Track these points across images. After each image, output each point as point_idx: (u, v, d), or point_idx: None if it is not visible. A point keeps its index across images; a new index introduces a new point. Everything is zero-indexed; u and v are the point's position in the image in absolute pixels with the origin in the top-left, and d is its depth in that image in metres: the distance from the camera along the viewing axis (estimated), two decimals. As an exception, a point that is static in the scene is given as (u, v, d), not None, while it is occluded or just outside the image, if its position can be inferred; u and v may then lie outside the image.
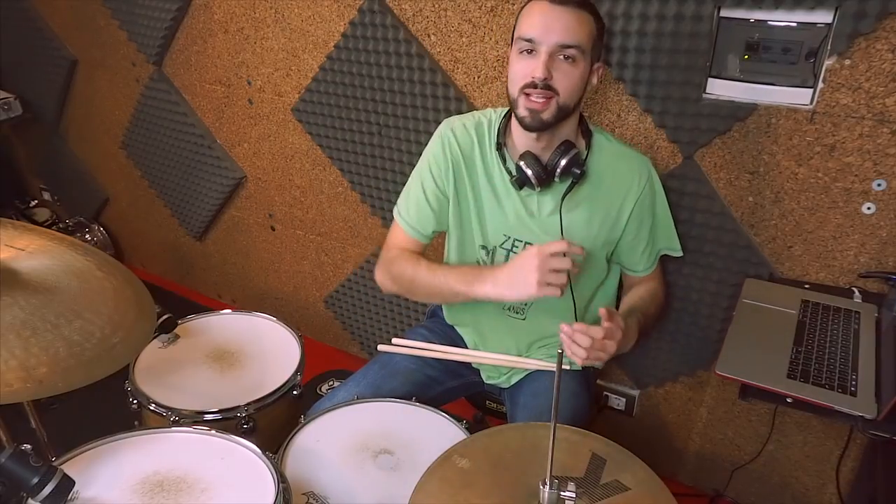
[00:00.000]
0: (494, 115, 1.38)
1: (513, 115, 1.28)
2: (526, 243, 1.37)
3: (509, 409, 1.49)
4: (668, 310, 1.63)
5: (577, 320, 1.39)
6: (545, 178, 1.27)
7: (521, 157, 1.28)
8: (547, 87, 1.18)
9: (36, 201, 3.17)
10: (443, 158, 1.37)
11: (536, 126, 1.22)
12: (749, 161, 1.42)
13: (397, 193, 1.94)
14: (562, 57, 1.18)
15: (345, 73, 1.87)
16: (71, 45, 2.58)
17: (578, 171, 1.27)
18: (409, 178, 1.45)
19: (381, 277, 1.46)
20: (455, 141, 1.36)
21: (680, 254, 1.46)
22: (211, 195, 2.46)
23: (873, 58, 1.23)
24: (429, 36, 1.71)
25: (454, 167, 1.37)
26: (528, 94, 1.20)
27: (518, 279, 1.21)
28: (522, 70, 1.20)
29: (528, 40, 1.18)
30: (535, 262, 1.19)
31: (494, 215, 1.37)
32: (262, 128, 2.19)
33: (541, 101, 1.19)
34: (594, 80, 1.25)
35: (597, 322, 1.48)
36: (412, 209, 1.43)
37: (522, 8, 1.23)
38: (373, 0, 1.72)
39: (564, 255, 1.19)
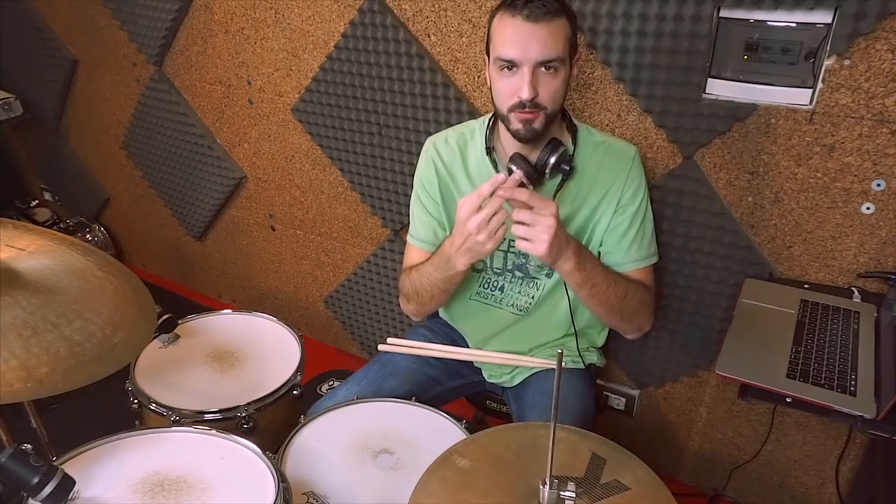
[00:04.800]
0: (478, 124, 1.40)
1: (499, 122, 1.30)
2: None
3: (515, 408, 1.48)
4: (663, 311, 1.64)
5: (572, 318, 1.40)
6: (536, 176, 1.28)
7: (511, 159, 1.29)
8: (535, 104, 1.19)
9: (36, 201, 3.17)
10: (431, 174, 1.41)
11: (531, 137, 1.25)
12: (749, 161, 1.42)
13: (397, 193, 1.96)
14: (543, 69, 1.18)
15: (345, 73, 1.87)
16: (71, 46, 2.58)
17: (568, 168, 1.28)
18: (412, 206, 1.49)
19: (404, 306, 1.49)
20: (438, 156, 1.41)
21: (655, 258, 1.42)
22: (211, 195, 2.46)
23: (873, 58, 1.23)
24: (429, 36, 1.71)
25: (441, 181, 1.41)
26: (517, 111, 1.22)
27: (468, 244, 1.19)
28: (508, 89, 1.21)
29: (508, 61, 1.18)
30: (467, 223, 1.16)
31: None
32: (262, 128, 2.19)
33: (531, 115, 1.21)
34: (575, 73, 1.26)
35: (599, 325, 1.50)
36: (419, 225, 1.46)
37: (492, 20, 1.22)
38: (373, 0, 1.73)
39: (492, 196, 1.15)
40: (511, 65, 1.18)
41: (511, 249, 1.39)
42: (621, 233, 1.35)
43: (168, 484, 1.04)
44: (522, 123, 1.23)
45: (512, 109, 1.22)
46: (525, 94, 1.18)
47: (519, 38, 1.16)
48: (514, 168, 1.28)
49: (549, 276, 1.40)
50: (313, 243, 2.31)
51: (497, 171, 1.34)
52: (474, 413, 1.72)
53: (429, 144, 1.43)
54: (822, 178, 1.36)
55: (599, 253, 1.38)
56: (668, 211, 1.53)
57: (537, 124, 1.23)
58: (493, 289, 1.45)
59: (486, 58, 1.26)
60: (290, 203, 2.28)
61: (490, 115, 1.37)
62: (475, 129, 1.39)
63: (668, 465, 1.87)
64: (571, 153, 1.31)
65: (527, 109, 1.20)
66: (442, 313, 1.59)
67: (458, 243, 1.21)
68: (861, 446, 1.53)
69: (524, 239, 1.15)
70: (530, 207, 1.14)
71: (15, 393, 0.89)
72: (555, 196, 1.30)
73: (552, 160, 1.27)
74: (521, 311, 1.44)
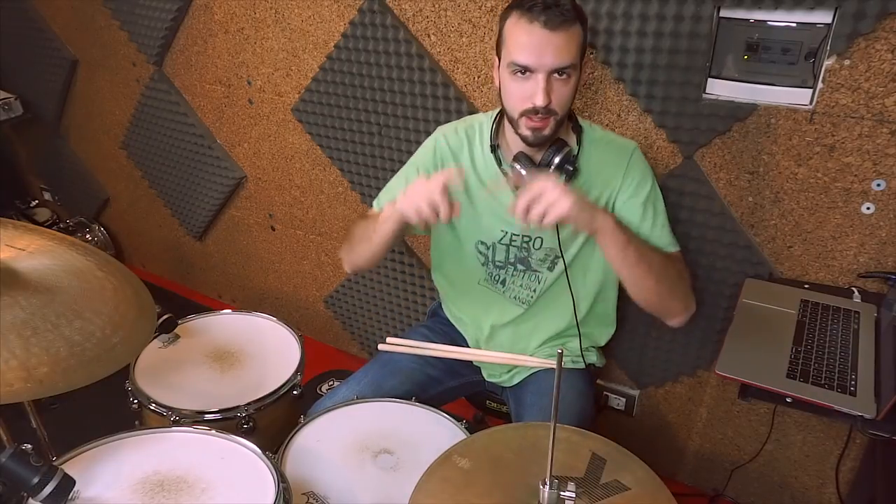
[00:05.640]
0: (485, 118, 1.40)
1: (505, 120, 1.30)
2: (523, 237, 1.38)
3: (514, 407, 1.49)
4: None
5: (576, 318, 1.41)
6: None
7: (515, 158, 1.29)
8: (547, 110, 1.19)
9: (36, 201, 3.17)
10: (431, 164, 1.41)
11: (540, 143, 1.25)
12: (749, 161, 1.42)
13: (397, 193, 1.96)
14: (557, 75, 1.18)
15: (345, 73, 1.87)
16: (71, 46, 2.58)
17: (571, 168, 1.28)
18: (393, 178, 1.49)
19: (341, 252, 1.49)
20: (446, 145, 1.41)
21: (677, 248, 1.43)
22: (211, 195, 2.46)
23: (873, 58, 1.23)
24: (429, 36, 1.71)
25: (441, 165, 1.40)
26: (529, 117, 1.22)
27: (407, 195, 1.19)
28: (520, 93, 1.20)
29: (523, 66, 1.18)
30: (416, 186, 1.18)
31: (490, 212, 1.39)
32: (262, 128, 2.19)
33: (541, 122, 1.21)
34: (583, 75, 1.26)
35: (601, 323, 1.50)
36: (388, 197, 1.44)
37: (505, 20, 1.21)
38: (373, 0, 1.73)
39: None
40: (525, 70, 1.18)
41: (513, 243, 1.40)
42: (635, 227, 1.33)
43: (168, 484, 1.04)
44: (532, 130, 1.23)
45: (523, 114, 1.22)
46: (539, 101, 1.18)
47: (535, 45, 1.16)
48: (517, 166, 1.28)
49: (550, 269, 1.40)
50: (313, 243, 2.31)
51: (501, 167, 1.34)
52: (474, 413, 1.72)
53: (437, 134, 1.44)
54: (823, 178, 1.36)
55: None
56: (668, 211, 1.52)
57: (547, 130, 1.23)
58: (496, 282, 1.45)
59: (497, 58, 1.26)
60: (290, 203, 2.28)
61: (496, 111, 1.37)
62: (483, 123, 1.39)
63: (668, 465, 1.87)
64: (576, 153, 1.31)
65: (539, 115, 1.20)
66: (446, 306, 1.60)
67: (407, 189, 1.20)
68: (861, 446, 1.53)
69: (544, 214, 1.11)
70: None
71: (15, 393, 0.89)
72: None
73: (556, 160, 1.27)
74: (523, 303, 1.44)
